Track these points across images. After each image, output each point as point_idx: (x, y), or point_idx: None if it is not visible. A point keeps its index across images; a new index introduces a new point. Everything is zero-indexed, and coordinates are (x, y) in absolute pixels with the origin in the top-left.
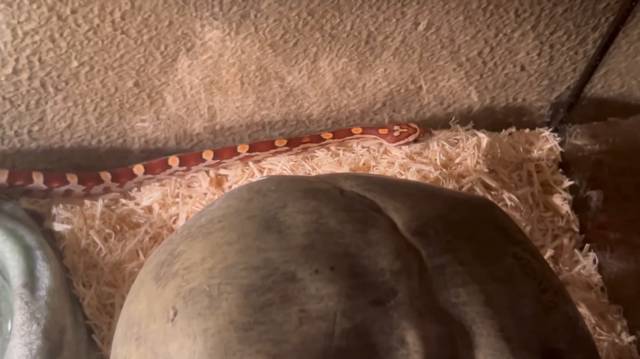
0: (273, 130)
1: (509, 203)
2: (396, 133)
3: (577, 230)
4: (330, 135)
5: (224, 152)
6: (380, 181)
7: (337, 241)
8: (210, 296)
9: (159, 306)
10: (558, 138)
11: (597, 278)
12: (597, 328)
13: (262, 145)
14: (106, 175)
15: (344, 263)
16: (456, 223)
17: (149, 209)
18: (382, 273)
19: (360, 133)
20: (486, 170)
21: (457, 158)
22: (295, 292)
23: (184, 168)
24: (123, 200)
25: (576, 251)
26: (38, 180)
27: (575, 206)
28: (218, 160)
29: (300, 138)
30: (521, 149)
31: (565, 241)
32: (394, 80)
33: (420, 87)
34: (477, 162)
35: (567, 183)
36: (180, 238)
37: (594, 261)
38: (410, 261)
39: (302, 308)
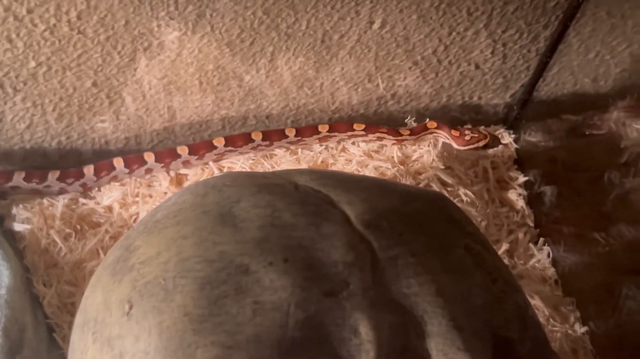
0: (233, 130)
1: (464, 198)
2: (467, 137)
3: (531, 224)
4: (408, 132)
5: (306, 131)
6: (334, 176)
7: (291, 234)
8: (166, 289)
9: (115, 300)
10: (513, 136)
11: (551, 271)
12: (551, 319)
13: (341, 126)
14: (150, 156)
15: (297, 256)
16: (408, 216)
17: (109, 208)
18: (335, 265)
19: (435, 128)
20: (442, 167)
21: (414, 155)
22: (250, 284)
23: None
24: (83, 200)
25: (531, 245)
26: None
27: (530, 201)
28: (299, 138)
29: (378, 127)
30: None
31: (520, 235)
32: (351, 79)
33: (378, 86)
34: (434, 159)
35: (522, 179)
36: (136, 234)
37: (548, 255)
38: (363, 254)
39: (256, 299)
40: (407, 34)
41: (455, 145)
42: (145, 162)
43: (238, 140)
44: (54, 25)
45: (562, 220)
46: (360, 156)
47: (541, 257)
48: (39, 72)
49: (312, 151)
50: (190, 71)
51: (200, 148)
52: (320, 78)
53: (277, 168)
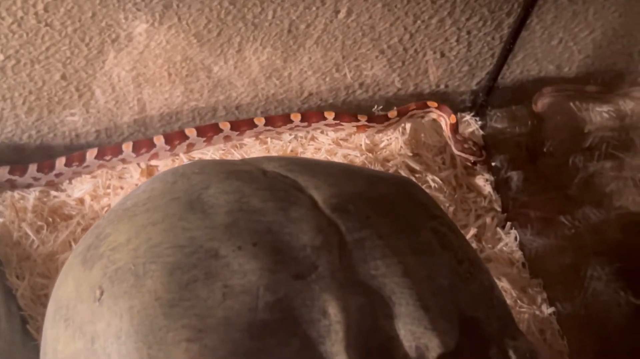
0: (203, 121)
1: (432, 184)
2: (466, 145)
3: (499, 209)
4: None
5: (344, 116)
6: (302, 162)
7: (259, 219)
8: (136, 275)
9: (86, 287)
10: (479, 122)
11: (518, 254)
12: (518, 301)
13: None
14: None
15: (266, 240)
16: (375, 199)
17: (81, 201)
18: (304, 248)
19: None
20: (410, 154)
21: (382, 143)
22: (219, 268)
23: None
24: (54, 192)
25: (498, 229)
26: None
27: (497, 186)
28: (338, 122)
29: (408, 106)
30: (444, 133)
31: (488, 220)
32: (319, 69)
33: (345, 75)
34: (401, 146)
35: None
36: (106, 222)
37: (515, 238)
38: (331, 237)
39: (226, 283)
40: (372, 23)
41: (452, 145)
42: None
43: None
44: (21, 17)
45: (528, 204)
46: (329, 144)
47: (508, 241)
48: (8, 66)
49: (281, 140)
50: (159, 62)
51: (174, 138)
52: (288, 68)
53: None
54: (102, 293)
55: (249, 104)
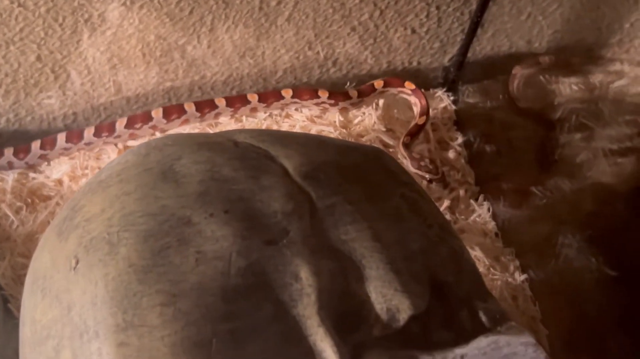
0: (180, 101)
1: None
2: (422, 163)
3: (472, 182)
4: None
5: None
6: (273, 133)
7: (231, 188)
8: (110, 243)
9: (62, 258)
10: (452, 98)
11: (491, 224)
12: (491, 269)
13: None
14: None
15: (238, 207)
16: (345, 167)
17: (59, 182)
18: (275, 215)
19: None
20: (384, 129)
21: (356, 119)
22: (192, 235)
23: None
24: (33, 174)
25: (472, 201)
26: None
27: (470, 160)
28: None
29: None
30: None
31: (461, 192)
32: (292, 47)
33: (318, 53)
34: (375, 122)
35: (462, 139)
36: (81, 195)
37: (488, 209)
38: (302, 203)
39: (199, 249)
40: None
41: (407, 160)
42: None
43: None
44: None
45: (501, 176)
46: (303, 121)
47: (482, 212)
48: None
49: (256, 118)
50: (133, 43)
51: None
52: (261, 47)
53: None
54: (77, 262)
55: (224, 84)
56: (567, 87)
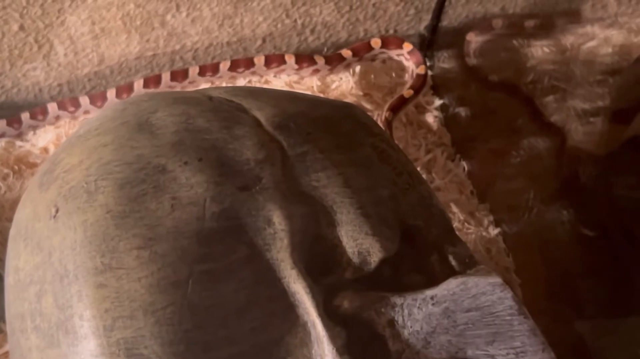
0: (163, 71)
1: (384, 115)
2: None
3: (448, 143)
4: None
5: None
6: (246, 88)
7: (204, 137)
8: (88, 192)
9: (42, 207)
10: (428, 64)
11: (467, 183)
12: (466, 223)
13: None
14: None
15: (211, 155)
16: (316, 118)
17: (45, 149)
18: (247, 162)
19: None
20: (361, 94)
21: (333, 84)
22: (167, 182)
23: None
24: (19, 143)
25: (448, 162)
26: None
27: (447, 123)
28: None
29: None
30: (393, 74)
31: (438, 153)
32: (269, 15)
33: (296, 21)
34: (352, 87)
35: (438, 102)
36: (61, 149)
37: (464, 169)
38: (273, 151)
39: (174, 195)
40: None
41: None
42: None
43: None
44: None
45: (476, 137)
46: (281, 87)
47: (458, 172)
48: None
49: (234, 84)
50: (113, 11)
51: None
52: (239, 15)
53: None
54: (57, 211)
55: (205, 53)
56: (539, 50)
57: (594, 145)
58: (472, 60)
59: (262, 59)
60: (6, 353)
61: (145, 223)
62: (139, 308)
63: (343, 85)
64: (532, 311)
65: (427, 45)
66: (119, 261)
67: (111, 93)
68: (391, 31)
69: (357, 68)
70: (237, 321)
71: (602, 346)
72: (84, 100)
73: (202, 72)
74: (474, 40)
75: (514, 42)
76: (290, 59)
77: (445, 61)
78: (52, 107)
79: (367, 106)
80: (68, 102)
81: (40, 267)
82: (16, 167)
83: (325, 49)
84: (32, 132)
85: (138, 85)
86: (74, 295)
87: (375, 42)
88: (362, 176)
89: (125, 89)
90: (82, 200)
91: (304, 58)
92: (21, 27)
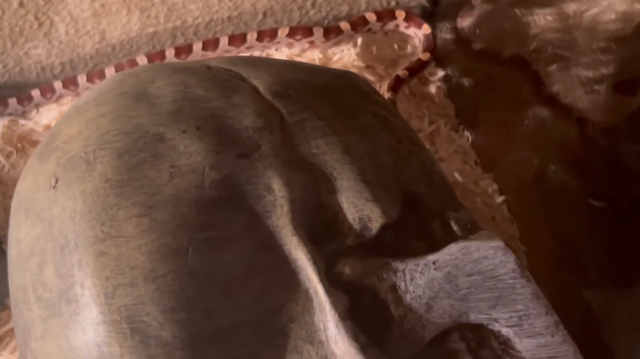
0: (164, 47)
1: (386, 95)
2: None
3: (452, 114)
4: None
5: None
6: (245, 57)
7: (203, 106)
8: (87, 162)
9: (42, 178)
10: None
11: (471, 153)
12: (470, 192)
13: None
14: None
15: (210, 124)
16: (316, 86)
17: (48, 127)
18: (246, 130)
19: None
20: (364, 66)
21: (335, 56)
22: (166, 151)
23: None
24: (22, 121)
25: (452, 132)
26: None
27: (450, 94)
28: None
29: None
30: (396, 47)
31: (442, 124)
32: None
33: None
34: (354, 59)
35: (441, 73)
36: (60, 122)
37: (468, 139)
38: (272, 119)
39: (173, 164)
40: None
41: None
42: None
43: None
44: None
45: (480, 108)
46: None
47: (462, 142)
48: None
49: None
50: None
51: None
52: None
53: None
54: (56, 181)
55: (206, 29)
56: (542, 18)
57: (600, 114)
58: (470, 31)
59: (255, 34)
60: (12, 329)
61: (144, 191)
62: (140, 276)
63: (345, 57)
64: (538, 279)
65: (429, 16)
66: (118, 229)
67: (110, 72)
68: (393, 3)
69: (359, 41)
70: (238, 288)
71: (609, 315)
72: (82, 79)
73: (204, 47)
74: (472, 13)
75: (516, 11)
76: (284, 32)
77: (447, 32)
78: (57, 85)
79: (370, 77)
80: (71, 80)
81: (41, 238)
82: (19, 145)
83: (327, 22)
84: (35, 110)
85: (142, 61)
86: (74, 264)
87: (370, 16)
88: (362, 143)
89: (129, 66)
90: (81, 170)
91: (299, 30)
92: (21, 4)
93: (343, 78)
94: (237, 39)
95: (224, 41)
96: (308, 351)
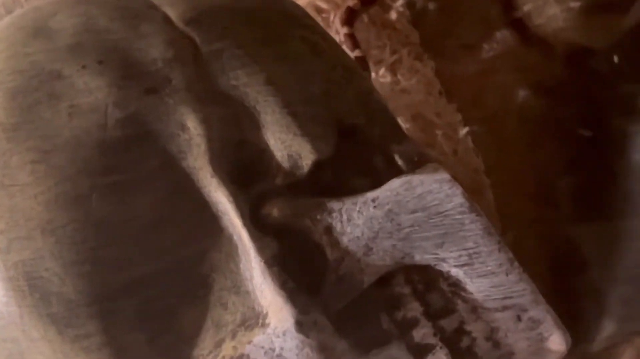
0: None
1: (341, 30)
2: None
3: (416, 42)
4: None
5: None
6: None
7: (106, 38)
8: None
9: None
10: None
11: (435, 82)
12: (432, 124)
13: None
14: None
15: (113, 57)
16: (237, 11)
17: None
18: (155, 62)
19: None
20: None
21: None
22: (63, 89)
23: None
24: None
25: (415, 61)
26: None
27: (414, 20)
28: None
29: None
30: None
31: (404, 54)
32: None
33: None
34: None
35: None
36: None
37: (432, 68)
38: (184, 49)
39: (72, 103)
40: None
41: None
42: None
43: None
44: None
45: (445, 33)
46: None
47: (426, 71)
48: None
49: None
50: None
51: None
52: None
53: None
54: None
55: None
56: None
57: (575, 32)
58: None
59: None
60: None
61: (40, 134)
62: (37, 227)
63: None
64: (506, 214)
65: None
66: (11, 177)
67: None
68: None
69: None
70: (153, 236)
71: (580, 251)
72: None
73: None
74: None
75: None
76: None
77: None
78: None
79: (324, 6)
80: None
81: None
82: None
83: None
84: None
85: None
86: None
87: None
88: (289, 72)
89: None
90: None
91: None
92: None
93: (269, 2)
94: None
95: None
96: (234, 302)
